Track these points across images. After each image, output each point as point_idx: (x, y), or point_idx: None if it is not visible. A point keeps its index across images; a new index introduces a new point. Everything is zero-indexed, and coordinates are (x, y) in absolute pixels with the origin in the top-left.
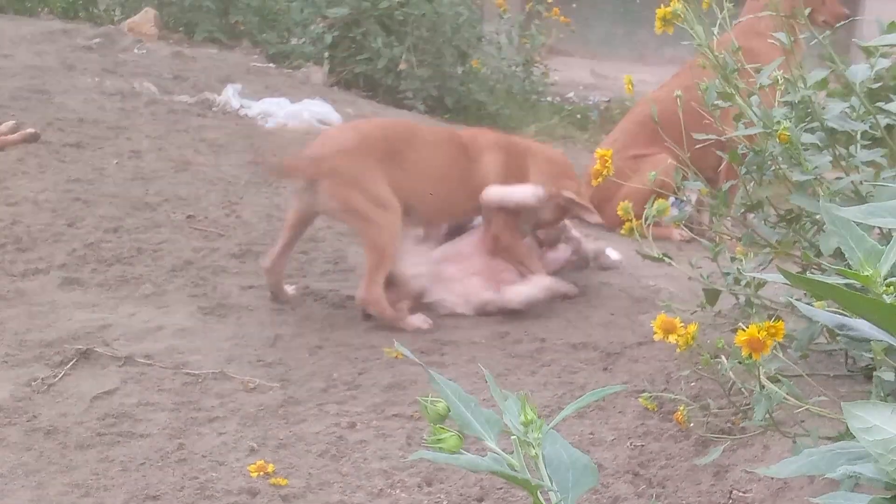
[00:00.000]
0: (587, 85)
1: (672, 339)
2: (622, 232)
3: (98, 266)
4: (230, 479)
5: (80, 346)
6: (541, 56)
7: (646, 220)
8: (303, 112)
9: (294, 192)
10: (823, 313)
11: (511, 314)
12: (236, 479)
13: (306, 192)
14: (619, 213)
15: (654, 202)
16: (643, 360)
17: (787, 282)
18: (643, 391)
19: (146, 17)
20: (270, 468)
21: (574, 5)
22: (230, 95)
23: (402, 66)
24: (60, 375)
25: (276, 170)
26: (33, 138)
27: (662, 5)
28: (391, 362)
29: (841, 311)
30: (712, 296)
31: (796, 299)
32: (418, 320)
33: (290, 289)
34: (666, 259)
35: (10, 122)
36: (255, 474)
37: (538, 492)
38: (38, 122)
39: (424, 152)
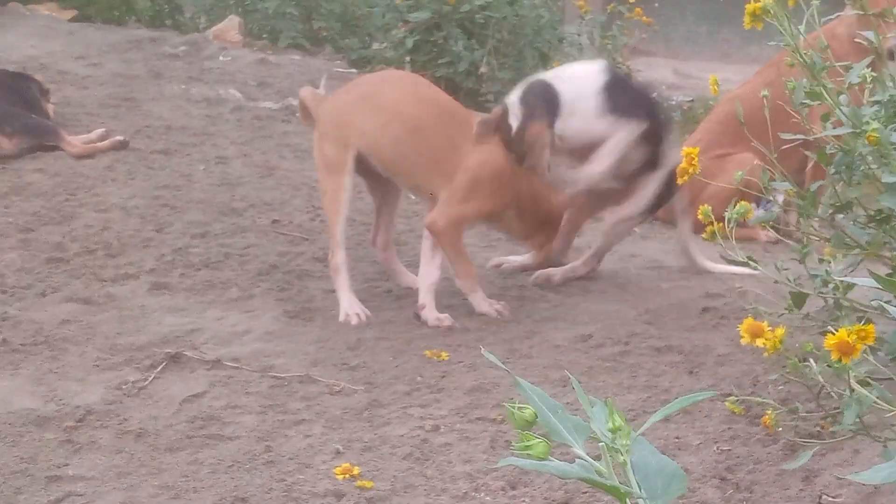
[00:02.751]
0: (670, 85)
1: (759, 342)
2: (703, 236)
3: (186, 271)
4: (316, 482)
5: (170, 350)
6: (623, 57)
7: (728, 221)
8: None
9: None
10: None
11: (594, 316)
12: (322, 481)
13: None
14: (700, 216)
15: (735, 204)
16: (729, 364)
17: (878, 285)
18: (730, 395)
19: (231, 25)
20: (356, 471)
21: (656, 4)
22: None
23: (483, 70)
24: (150, 379)
25: None
26: (122, 146)
27: (752, 1)
28: (474, 365)
29: None
30: (799, 299)
31: (886, 302)
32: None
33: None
34: (750, 263)
35: (100, 130)
36: (341, 477)
37: (627, 498)
38: (126, 130)
39: None
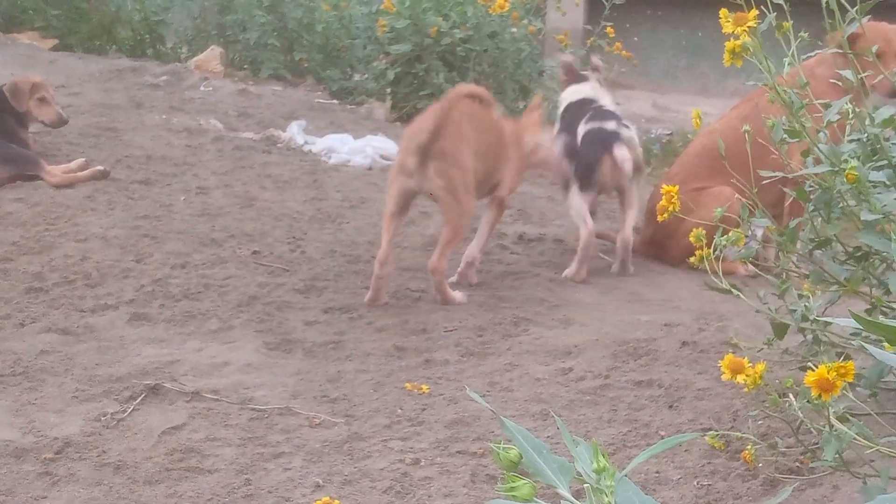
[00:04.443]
0: (649, 118)
1: (740, 378)
2: (692, 261)
3: (166, 302)
4: None
5: (149, 382)
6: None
7: (715, 250)
8: (366, 148)
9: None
10: (895, 357)
11: (575, 349)
12: None
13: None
14: (692, 239)
15: (721, 234)
16: (709, 398)
17: (858, 327)
18: (710, 429)
19: (212, 55)
20: None
21: (636, 38)
22: (294, 132)
23: None
24: (129, 411)
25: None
26: (103, 175)
27: (728, 39)
28: (455, 398)
29: None
30: (780, 330)
31: (864, 337)
32: (459, 296)
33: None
34: (734, 291)
35: (80, 160)
36: None
37: None
38: (107, 160)
39: None
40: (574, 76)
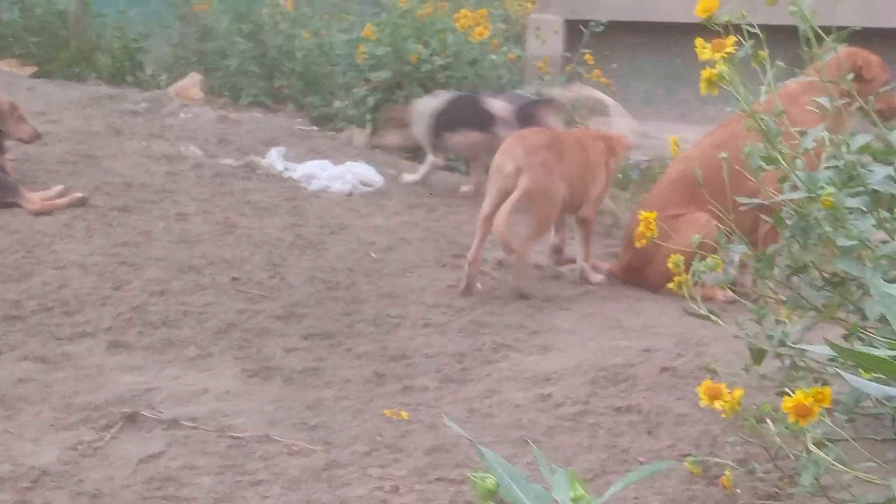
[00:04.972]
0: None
1: (718, 404)
2: (671, 286)
3: (144, 329)
4: None
5: (127, 410)
6: (581, 117)
7: (693, 276)
8: (346, 174)
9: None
10: (872, 384)
11: (554, 375)
12: None
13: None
14: (670, 266)
15: (699, 259)
16: (687, 424)
17: (835, 353)
18: (688, 455)
19: (192, 82)
20: None
21: (614, 66)
22: (274, 158)
23: None
24: (107, 439)
25: None
26: (81, 202)
27: (706, 66)
28: (434, 424)
29: (889, 382)
30: (758, 356)
31: (841, 363)
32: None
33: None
34: (712, 317)
35: (59, 187)
36: None
37: None
38: (85, 187)
39: None
40: None
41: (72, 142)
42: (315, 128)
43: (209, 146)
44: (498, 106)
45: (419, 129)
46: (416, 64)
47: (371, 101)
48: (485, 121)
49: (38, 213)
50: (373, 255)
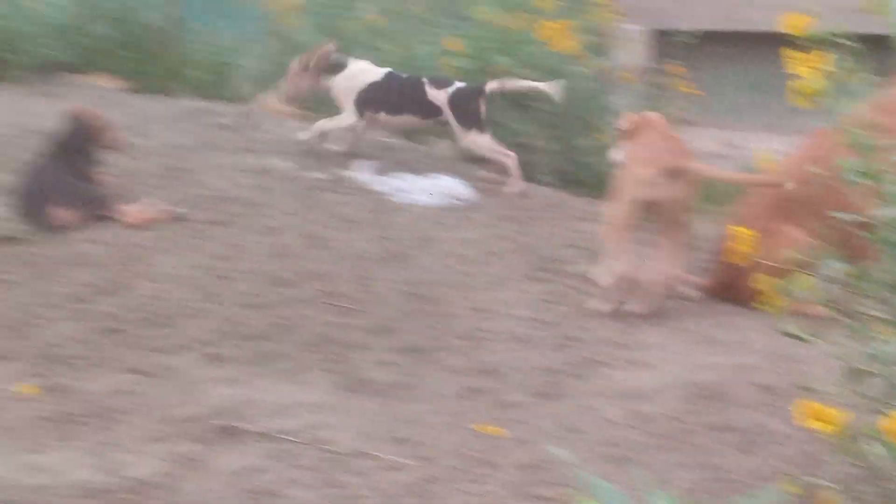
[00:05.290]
0: (715, 154)
1: (816, 424)
2: (763, 303)
3: (238, 342)
4: None
5: (222, 422)
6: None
7: (786, 293)
8: (433, 187)
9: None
10: None
11: (646, 393)
12: None
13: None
14: (761, 282)
15: (792, 275)
16: (785, 443)
17: None
18: (786, 475)
19: (279, 95)
20: None
21: (700, 75)
22: (362, 171)
23: (533, 141)
24: (203, 451)
25: None
26: (177, 216)
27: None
28: (528, 440)
29: None
30: (856, 376)
31: None
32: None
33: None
34: (808, 337)
35: (152, 200)
36: None
37: None
38: (178, 200)
39: None
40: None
41: (164, 155)
42: (402, 140)
43: (298, 159)
44: (437, 95)
45: (343, 93)
46: (500, 76)
47: None
48: (430, 110)
49: (134, 227)
50: (461, 267)
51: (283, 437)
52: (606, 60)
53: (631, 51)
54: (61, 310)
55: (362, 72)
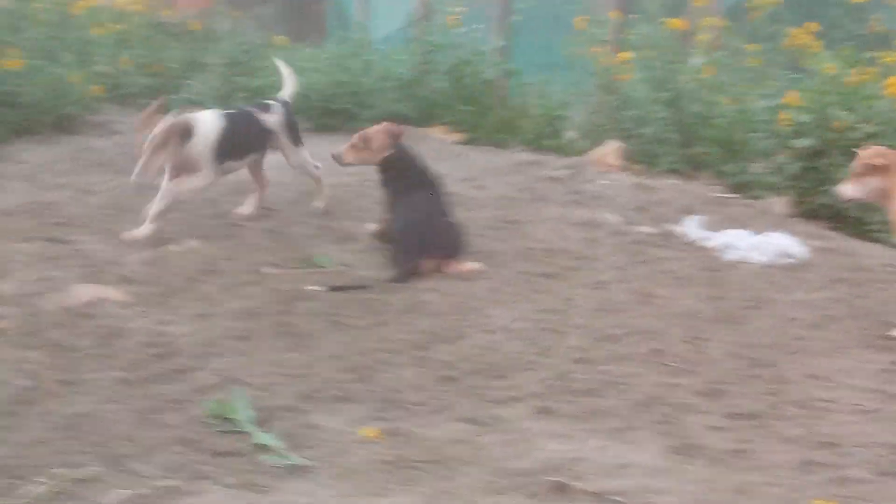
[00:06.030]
0: None
1: None
2: None
3: (568, 396)
4: None
5: (554, 478)
6: None
7: None
8: (765, 244)
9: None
10: None
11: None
12: None
13: None
14: None
15: None
16: None
17: None
18: None
19: (610, 149)
20: None
21: None
22: (691, 226)
23: None
24: None
25: None
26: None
27: None
28: None
29: None
30: None
31: None
32: None
33: None
34: None
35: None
36: None
37: None
38: (509, 251)
39: None
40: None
41: (496, 207)
42: (733, 195)
43: (626, 213)
44: (270, 120)
45: (201, 149)
46: (840, 132)
47: (792, 168)
48: (265, 139)
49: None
50: (796, 331)
51: (615, 498)
52: None
53: None
54: (404, 355)
55: None
